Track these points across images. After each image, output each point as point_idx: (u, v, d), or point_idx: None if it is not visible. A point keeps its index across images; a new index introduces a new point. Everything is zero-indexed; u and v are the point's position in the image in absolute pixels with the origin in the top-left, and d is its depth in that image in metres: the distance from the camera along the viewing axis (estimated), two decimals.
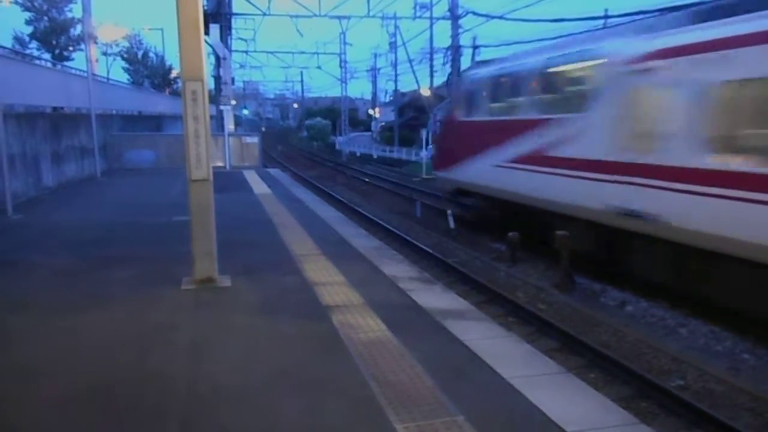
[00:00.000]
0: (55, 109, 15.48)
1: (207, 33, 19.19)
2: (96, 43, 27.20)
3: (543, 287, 10.24)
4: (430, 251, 12.48)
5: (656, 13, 14.98)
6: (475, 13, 23.39)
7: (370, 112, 58.64)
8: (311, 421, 3.47)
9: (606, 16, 17.94)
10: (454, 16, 24.82)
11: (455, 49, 25.32)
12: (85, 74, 17.73)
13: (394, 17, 33.88)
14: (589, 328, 8.17)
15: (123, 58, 41.83)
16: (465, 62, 27.67)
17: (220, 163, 19.15)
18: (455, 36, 25.02)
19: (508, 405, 3.64)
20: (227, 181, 15.49)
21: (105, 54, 36.67)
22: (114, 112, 22.03)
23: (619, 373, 6.61)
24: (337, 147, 52.87)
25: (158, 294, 5.92)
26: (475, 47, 26.43)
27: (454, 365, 4.23)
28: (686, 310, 8.93)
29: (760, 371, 6.96)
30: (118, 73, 41.38)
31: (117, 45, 39.73)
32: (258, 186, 15.42)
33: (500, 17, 20.03)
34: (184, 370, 4.16)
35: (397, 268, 7.00)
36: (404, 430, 3.31)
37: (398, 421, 3.41)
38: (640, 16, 13.77)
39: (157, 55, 44.12)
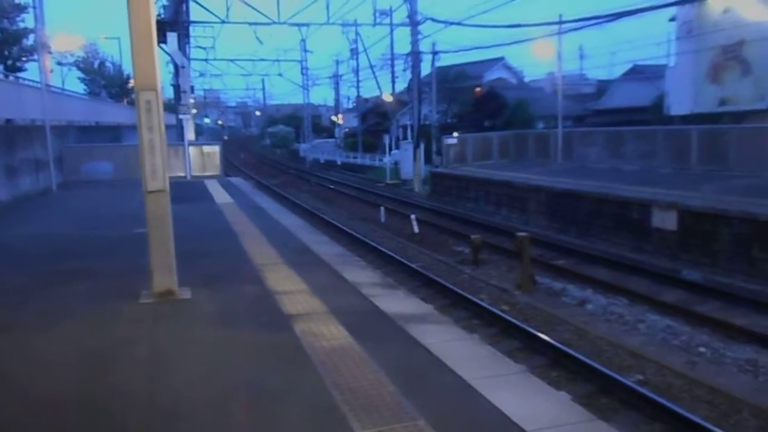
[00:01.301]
0: (8, 121, 15.04)
1: (164, 41, 18.92)
2: (50, 53, 26.44)
3: (506, 288, 10.38)
4: (394, 256, 12.53)
5: (611, 18, 15.38)
6: (433, 20, 23.63)
7: (333, 118, 58.58)
8: None
9: (561, 21, 18.34)
10: (413, 23, 25.00)
11: (415, 56, 25.50)
12: (39, 85, 17.27)
13: (355, 24, 33.91)
14: (551, 328, 8.31)
15: (79, 68, 40.85)
16: (425, 68, 27.92)
17: (180, 173, 18.85)
18: (415, 42, 25.21)
19: (468, 406, 3.67)
20: (188, 191, 15.26)
21: (60, 64, 35.75)
22: (70, 123, 21.50)
23: (581, 371, 6.74)
24: (301, 154, 52.65)
25: (116, 308, 5.78)
26: (434, 53, 26.67)
27: (415, 369, 4.24)
28: (645, 307, 9.17)
29: (716, 364, 7.18)
30: (74, 84, 40.40)
31: (72, 55, 38.76)
32: (219, 195, 15.24)
33: (458, 23, 20.28)
34: (143, 385, 4.08)
35: (360, 274, 7.00)
36: None
37: (360, 427, 3.40)
38: (593, 21, 14.12)
39: (114, 64, 43.24)
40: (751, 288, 9.74)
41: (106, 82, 42.39)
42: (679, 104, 22.83)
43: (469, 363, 4.31)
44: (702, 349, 7.56)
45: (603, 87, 39.78)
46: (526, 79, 43.60)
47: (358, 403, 3.69)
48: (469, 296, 9.44)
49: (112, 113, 31.78)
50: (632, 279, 10.59)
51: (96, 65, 42.08)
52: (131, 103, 38.29)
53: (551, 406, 3.73)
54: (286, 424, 3.52)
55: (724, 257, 10.75)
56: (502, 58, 41.53)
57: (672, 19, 23.73)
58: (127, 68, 43.87)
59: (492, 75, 40.07)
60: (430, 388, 3.96)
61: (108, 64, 42.83)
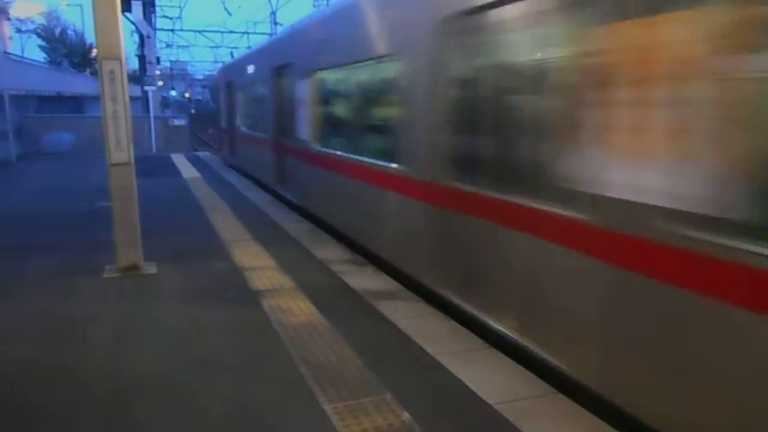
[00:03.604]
0: None
1: (128, 10, 18.37)
2: (9, 19, 25.50)
3: None
4: None
5: None
6: None
7: None
8: (239, 408, 3.45)
9: None
10: None
11: None
12: None
13: None
14: None
15: (39, 36, 39.44)
16: None
17: (146, 147, 18.49)
18: None
19: (433, 381, 3.72)
20: (153, 165, 15.00)
21: (19, 31, 34.51)
22: (30, 92, 20.82)
23: None
24: None
25: (78, 283, 5.68)
26: None
27: (383, 344, 4.29)
28: None
29: None
30: (34, 52, 39.04)
31: (32, 22, 37.39)
32: (186, 170, 15.00)
33: None
34: (105, 362, 4.03)
35: (330, 251, 7.00)
36: (333, 410, 3.34)
37: (327, 401, 3.43)
38: None
39: (76, 32, 41.87)
40: None
41: (68, 50, 41.11)
42: None
43: (435, 338, 4.37)
44: None
45: None
46: None
47: (325, 378, 3.71)
48: None
49: (75, 83, 30.88)
50: None
51: (57, 33, 40.73)
52: (94, 73, 37.22)
53: (514, 380, 3.80)
54: (253, 398, 3.53)
55: None
56: None
57: None
58: (90, 37, 42.56)
59: None
60: (397, 363, 4.00)
61: (70, 32, 41.56)
